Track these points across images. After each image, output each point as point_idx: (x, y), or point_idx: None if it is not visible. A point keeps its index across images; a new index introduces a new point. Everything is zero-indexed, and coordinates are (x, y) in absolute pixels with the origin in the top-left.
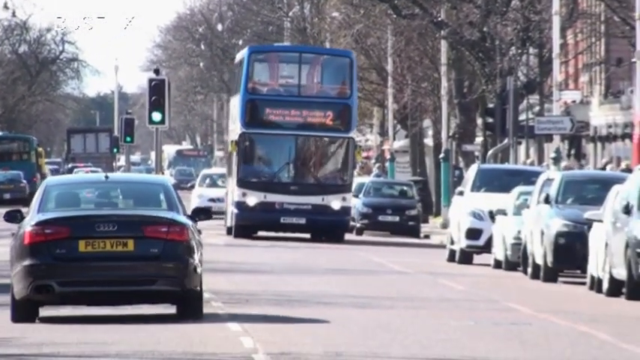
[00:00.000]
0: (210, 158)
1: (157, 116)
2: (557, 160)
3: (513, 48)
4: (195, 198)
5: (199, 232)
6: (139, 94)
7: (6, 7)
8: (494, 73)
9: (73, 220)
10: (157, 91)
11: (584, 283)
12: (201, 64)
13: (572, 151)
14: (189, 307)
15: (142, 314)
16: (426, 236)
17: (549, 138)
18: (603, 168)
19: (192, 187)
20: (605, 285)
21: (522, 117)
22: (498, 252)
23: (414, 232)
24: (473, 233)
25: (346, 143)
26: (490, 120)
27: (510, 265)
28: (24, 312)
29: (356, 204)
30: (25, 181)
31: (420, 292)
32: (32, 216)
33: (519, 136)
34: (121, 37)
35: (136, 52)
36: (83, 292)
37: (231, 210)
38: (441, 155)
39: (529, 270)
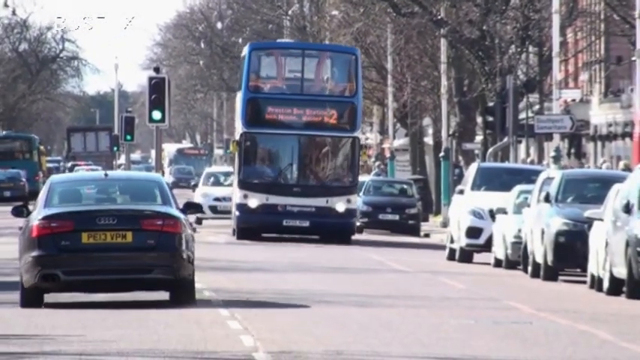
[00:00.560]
0: (210, 157)
1: (157, 115)
2: (557, 159)
3: (513, 46)
4: (200, 197)
5: (191, 224)
6: (139, 92)
7: (6, 5)
8: (494, 72)
9: (77, 215)
10: (157, 89)
11: (584, 282)
12: (201, 63)
13: (572, 150)
14: (183, 294)
15: (144, 307)
16: (426, 235)
17: (549, 137)
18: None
19: (192, 185)
20: (606, 284)
21: (522, 116)
22: (498, 251)
23: (414, 231)
24: (473, 232)
25: (351, 143)
26: (490, 118)
27: (510, 263)
28: (31, 299)
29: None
30: (24, 180)
31: (420, 291)
32: (39, 211)
33: (519, 135)
34: (121, 36)
35: (136, 51)
36: (86, 280)
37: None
38: (441, 154)
39: (529, 269)
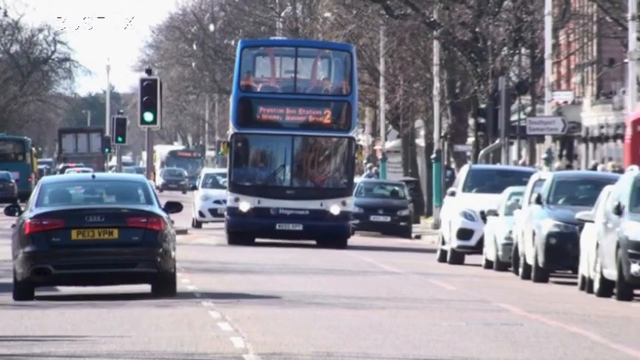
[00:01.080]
0: (202, 158)
1: (148, 116)
2: (548, 161)
3: (505, 48)
4: (199, 200)
5: (172, 222)
6: (131, 94)
7: None
8: (487, 74)
9: (67, 213)
10: (148, 91)
11: (575, 284)
12: (193, 65)
13: (564, 152)
14: (164, 286)
15: (134, 308)
16: (418, 237)
17: (541, 139)
18: (593, 168)
19: (191, 187)
20: (596, 285)
21: (514, 117)
22: (489, 252)
23: (406, 233)
24: (464, 233)
25: (346, 143)
26: (482, 120)
27: (501, 265)
28: (24, 292)
29: None
30: (13, 181)
31: (411, 293)
32: (31, 209)
33: (511, 137)
34: (113, 37)
35: (128, 52)
36: (75, 273)
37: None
38: (433, 155)
39: (520, 270)
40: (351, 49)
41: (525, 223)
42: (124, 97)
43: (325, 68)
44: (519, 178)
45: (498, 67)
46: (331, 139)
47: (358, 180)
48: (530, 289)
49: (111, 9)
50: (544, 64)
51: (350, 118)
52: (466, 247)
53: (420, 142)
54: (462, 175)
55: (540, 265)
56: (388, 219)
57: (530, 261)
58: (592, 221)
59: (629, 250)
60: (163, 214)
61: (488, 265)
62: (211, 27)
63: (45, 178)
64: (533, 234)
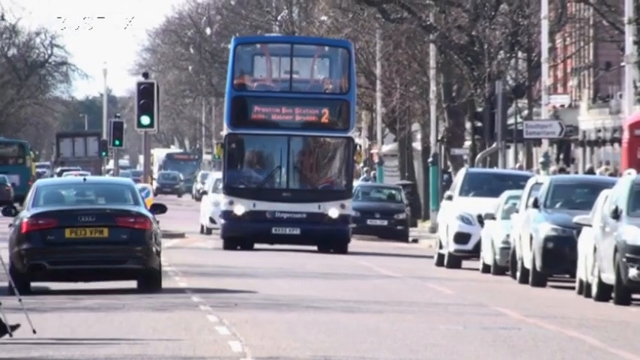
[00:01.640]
0: (200, 161)
1: (145, 120)
2: (546, 165)
3: (502, 52)
4: (210, 205)
5: (158, 222)
6: (128, 97)
7: None
8: (483, 77)
9: (61, 213)
10: (145, 94)
11: (572, 288)
12: (190, 68)
13: (561, 156)
14: (151, 282)
15: (132, 311)
16: (415, 240)
17: (538, 142)
18: (589, 172)
19: (200, 192)
20: (594, 289)
21: (511, 121)
22: (487, 256)
23: (403, 237)
24: (461, 237)
25: (345, 143)
26: (479, 124)
27: (499, 269)
28: (20, 286)
29: None
30: (9, 185)
31: (408, 297)
32: (28, 210)
33: (508, 140)
34: (110, 41)
35: (125, 56)
36: (68, 269)
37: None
38: (430, 159)
39: (518, 274)
40: (348, 45)
41: (523, 227)
42: (120, 100)
43: (322, 65)
44: (516, 181)
45: (495, 71)
46: (329, 139)
47: (355, 183)
48: (527, 293)
49: (109, 10)
50: (541, 68)
51: (348, 118)
52: (463, 251)
53: (417, 145)
54: (459, 178)
55: (538, 269)
56: (385, 223)
57: (528, 265)
58: (590, 225)
59: (627, 254)
60: (150, 214)
61: (486, 269)
62: (208, 30)
63: (40, 181)
64: (531, 238)
